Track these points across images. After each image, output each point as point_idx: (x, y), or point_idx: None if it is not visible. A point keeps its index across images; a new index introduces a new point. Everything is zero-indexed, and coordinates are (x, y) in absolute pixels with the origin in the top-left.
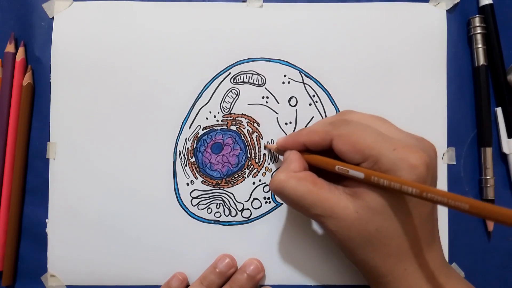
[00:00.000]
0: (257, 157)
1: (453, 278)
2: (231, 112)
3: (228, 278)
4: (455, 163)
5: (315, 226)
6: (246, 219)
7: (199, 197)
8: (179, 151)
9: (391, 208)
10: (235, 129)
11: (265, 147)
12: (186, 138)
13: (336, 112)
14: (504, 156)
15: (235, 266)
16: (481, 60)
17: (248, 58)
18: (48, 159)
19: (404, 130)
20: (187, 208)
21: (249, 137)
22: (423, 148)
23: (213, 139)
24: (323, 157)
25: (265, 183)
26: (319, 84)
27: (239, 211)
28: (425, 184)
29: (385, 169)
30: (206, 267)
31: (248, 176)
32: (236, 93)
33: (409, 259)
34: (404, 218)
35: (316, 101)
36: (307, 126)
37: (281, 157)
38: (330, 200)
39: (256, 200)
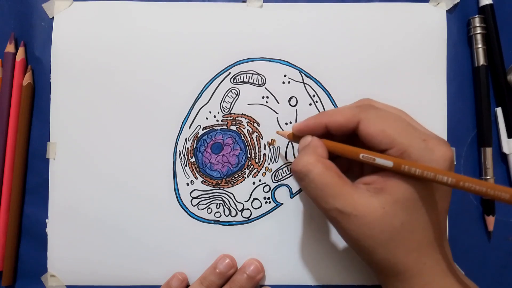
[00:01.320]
0: (257, 157)
1: (462, 275)
2: (231, 112)
3: (228, 278)
4: (455, 163)
5: (315, 226)
6: (246, 219)
7: (199, 197)
8: (179, 151)
9: (419, 200)
10: (235, 129)
11: (272, 142)
12: (186, 138)
13: None
14: (504, 156)
15: (235, 266)
16: (481, 60)
17: (248, 58)
18: (48, 159)
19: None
20: (187, 208)
21: (249, 137)
22: (447, 143)
23: (213, 139)
24: (346, 145)
25: (265, 183)
26: (319, 84)
27: (239, 211)
28: None
29: (414, 158)
30: (206, 267)
31: (248, 176)
32: (236, 93)
33: (429, 253)
34: (430, 210)
35: (316, 101)
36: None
37: (281, 157)
38: (353, 196)
39: (256, 200)
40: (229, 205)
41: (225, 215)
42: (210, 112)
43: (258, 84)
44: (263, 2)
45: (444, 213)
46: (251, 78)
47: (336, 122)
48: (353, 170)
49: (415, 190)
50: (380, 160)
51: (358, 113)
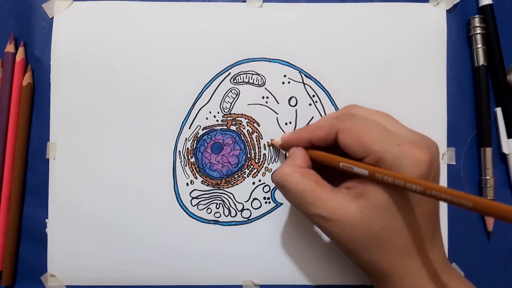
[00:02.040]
0: (257, 157)
1: (455, 277)
2: (231, 112)
3: None
4: (455, 163)
5: (315, 226)
6: (246, 219)
7: (199, 197)
8: (179, 151)
9: (396, 205)
10: (235, 129)
11: (270, 143)
12: (186, 138)
13: None
14: (504, 156)
15: None
16: (481, 60)
17: (248, 58)
18: (48, 159)
19: (408, 127)
20: (186, 208)
21: (249, 137)
22: (427, 145)
23: (213, 139)
24: (328, 153)
25: (265, 183)
26: (319, 84)
27: (239, 211)
28: (428, 181)
29: (389, 164)
30: (206, 267)
31: (248, 176)
32: (236, 93)
33: (414, 257)
34: (408, 215)
35: (316, 101)
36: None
37: (281, 157)
38: (332, 200)
39: (256, 200)
40: (229, 205)
41: (225, 215)
42: (210, 112)
43: (258, 84)
44: (263, 2)
45: (427, 216)
46: (251, 78)
47: (317, 136)
48: (344, 175)
49: (390, 196)
50: (357, 169)
51: (335, 124)
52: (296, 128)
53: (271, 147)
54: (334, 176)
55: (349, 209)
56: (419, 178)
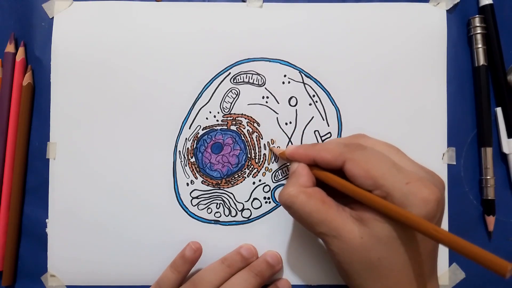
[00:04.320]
0: (257, 157)
1: None
2: (231, 112)
3: (248, 264)
4: (455, 163)
5: None
6: (246, 219)
7: (199, 197)
8: (179, 151)
9: (397, 239)
10: (235, 129)
11: (270, 150)
12: (186, 138)
13: (337, 113)
14: (504, 156)
15: (256, 255)
16: (481, 60)
17: (248, 58)
18: (48, 159)
19: (415, 161)
20: (187, 208)
21: (249, 137)
22: (435, 183)
23: (213, 139)
24: (335, 176)
25: (265, 183)
26: (319, 84)
27: (239, 211)
28: (434, 219)
29: (396, 201)
30: (206, 267)
31: (248, 176)
32: (236, 93)
33: None
34: (409, 251)
35: (316, 101)
36: (307, 126)
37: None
38: (336, 221)
39: (256, 200)
40: (229, 205)
41: (225, 215)
42: (210, 112)
43: (258, 84)
44: (263, 2)
45: (429, 255)
46: (251, 78)
47: (323, 159)
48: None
49: (394, 229)
50: (364, 199)
51: (344, 153)
52: (296, 128)
53: (271, 147)
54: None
55: (351, 232)
56: (427, 216)
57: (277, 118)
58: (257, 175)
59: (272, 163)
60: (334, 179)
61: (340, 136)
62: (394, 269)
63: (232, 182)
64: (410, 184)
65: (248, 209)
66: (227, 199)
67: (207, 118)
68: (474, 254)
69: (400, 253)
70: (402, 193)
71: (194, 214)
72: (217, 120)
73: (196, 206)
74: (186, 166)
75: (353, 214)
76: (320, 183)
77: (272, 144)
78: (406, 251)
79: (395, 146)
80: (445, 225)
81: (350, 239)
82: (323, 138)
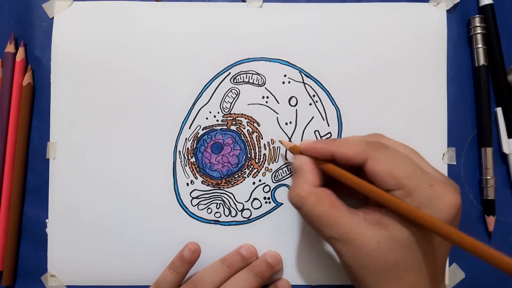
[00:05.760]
0: (257, 157)
1: None
2: (231, 112)
3: (247, 264)
4: (455, 163)
5: None
6: (246, 219)
7: (199, 197)
8: (179, 151)
9: (416, 243)
10: (235, 129)
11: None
12: (186, 138)
13: (337, 113)
14: (504, 156)
15: (256, 255)
16: (481, 60)
17: (248, 58)
18: (48, 159)
19: (432, 165)
20: (187, 208)
21: (249, 137)
22: (456, 188)
23: (213, 139)
24: (352, 175)
25: (265, 183)
26: (319, 84)
27: (239, 211)
28: (453, 224)
29: (419, 202)
30: (206, 267)
31: (248, 176)
32: (236, 93)
33: None
34: (426, 254)
35: (316, 101)
36: (307, 126)
37: (281, 157)
38: (348, 226)
39: (256, 200)
40: (229, 205)
41: (225, 215)
42: (210, 112)
43: (258, 84)
44: (263, 2)
45: (443, 258)
46: (251, 78)
47: (344, 154)
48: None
49: (412, 233)
50: (385, 200)
51: (367, 150)
52: (296, 128)
53: (271, 147)
54: (347, 190)
55: (366, 237)
56: (448, 221)
57: (277, 118)
58: (257, 175)
59: (272, 163)
60: (351, 178)
61: (340, 136)
62: (410, 271)
63: (232, 182)
64: (434, 187)
65: (248, 209)
66: (227, 199)
67: (207, 118)
68: (499, 261)
69: (418, 256)
70: (426, 195)
71: (194, 214)
72: (217, 120)
73: (196, 206)
74: (186, 166)
75: (368, 218)
76: (325, 184)
77: (273, 144)
78: (423, 254)
79: (414, 149)
80: None
81: (365, 244)
82: (323, 138)
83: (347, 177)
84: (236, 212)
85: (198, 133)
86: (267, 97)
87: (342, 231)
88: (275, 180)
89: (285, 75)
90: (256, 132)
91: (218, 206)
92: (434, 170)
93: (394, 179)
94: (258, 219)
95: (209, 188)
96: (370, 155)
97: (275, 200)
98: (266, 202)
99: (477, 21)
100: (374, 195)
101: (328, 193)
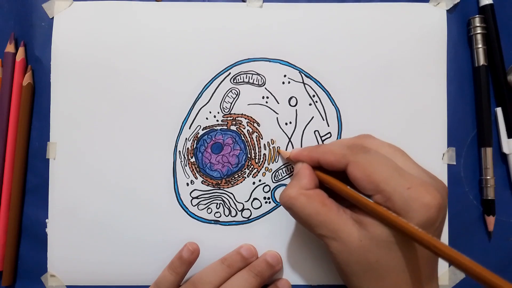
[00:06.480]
0: (257, 157)
1: None
2: (231, 112)
3: (247, 264)
4: (455, 163)
5: None
6: (246, 219)
7: (199, 197)
8: (179, 151)
9: (396, 244)
10: (235, 129)
11: (271, 151)
12: (186, 138)
13: (337, 113)
14: (504, 156)
15: (256, 255)
16: (481, 60)
17: (248, 58)
18: (48, 159)
19: (419, 165)
20: (187, 208)
21: (249, 137)
22: (437, 188)
23: (213, 139)
24: (336, 180)
25: (265, 183)
26: (319, 84)
27: (239, 211)
28: (435, 225)
29: (397, 206)
30: (206, 267)
31: (248, 176)
32: (236, 93)
33: None
34: (407, 255)
35: (316, 101)
36: (307, 126)
37: (281, 157)
38: (336, 223)
39: (256, 200)
40: (229, 205)
41: (225, 215)
42: (210, 112)
43: (258, 84)
44: (263, 2)
45: (429, 261)
46: (251, 78)
47: (327, 161)
48: None
49: (392, 234)
50: (363, 206)
51: (347, 155)
52: (296, 128)
53: (271, 147)
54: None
55: (351, 234)
56: (427, 222)
57: (277, 118)
58: (257, 175)
59: (272, 163)
60: (335, 183)
61: (340, 136)
62: (392, 272)
63: (232, 182)
64: (411, 189)
65: (248, 209)
66: (227, 199)
67: (207, 118)
68: (472, 271)
69: (398, 256)
70: (403, 199)
71: (194, 214)
72: (217, 120)
73: (196, 206)
74: (186, 166)
75: (354, 217)
76: (323, 184)
77: (273, 144)
78: (404, 255)
79: (400, 148)
80: (445, 225)
81: (349, 241)
82: (323, 138)
83: (332, 182)
84: (236, 212)
85: (198, 133)
86: (267, 97)
87: (330, 228)
88: (275, 180)
89: (285, 75)
90: (256, 132)
91: (218, 206)
92: (419, 169)
93: (372, 184)
94: (258, 219)
95: (209, 188)
96: (350, 160)
97: (275, 200)
98: (266, 202)
99: (477, 21)
100: (354, 201)
101: (320, 193)
